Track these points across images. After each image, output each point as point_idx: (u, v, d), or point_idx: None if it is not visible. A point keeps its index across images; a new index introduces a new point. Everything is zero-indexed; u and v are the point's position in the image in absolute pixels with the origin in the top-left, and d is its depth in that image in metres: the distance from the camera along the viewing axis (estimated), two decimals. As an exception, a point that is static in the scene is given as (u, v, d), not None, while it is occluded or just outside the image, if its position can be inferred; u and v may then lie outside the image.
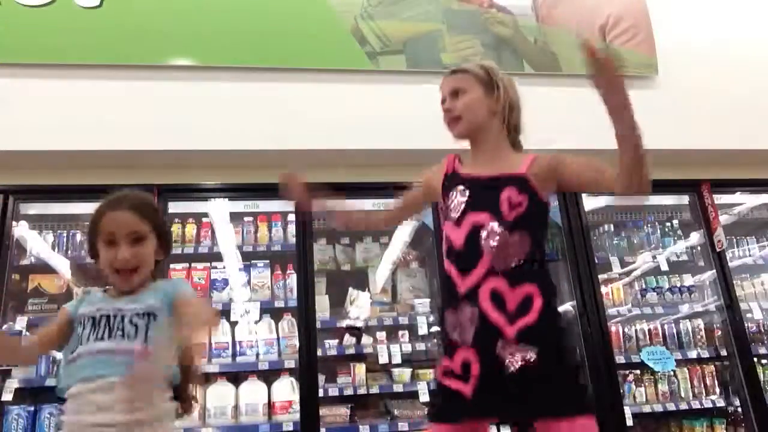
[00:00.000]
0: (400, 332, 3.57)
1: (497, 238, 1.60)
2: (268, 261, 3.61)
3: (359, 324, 3.62)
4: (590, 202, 3.86)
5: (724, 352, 3.65)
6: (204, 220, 3.63)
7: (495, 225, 1.62)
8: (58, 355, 3.23)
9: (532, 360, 1.48)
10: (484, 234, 1.62)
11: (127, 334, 1.43)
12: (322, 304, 3.53)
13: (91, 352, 1.43)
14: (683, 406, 3.55)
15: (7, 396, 3.02)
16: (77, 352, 1.45)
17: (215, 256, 3.56)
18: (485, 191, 1.67)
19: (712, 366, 3.70)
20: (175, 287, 1.54)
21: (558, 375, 1.53)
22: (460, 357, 1.55)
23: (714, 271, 3.78)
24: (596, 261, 3.66)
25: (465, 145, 1.89)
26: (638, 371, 3.61)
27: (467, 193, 1.69)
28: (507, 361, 1.50)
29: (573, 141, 3.76)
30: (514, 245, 1.60)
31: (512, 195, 1.66)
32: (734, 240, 4.12)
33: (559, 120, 3.79)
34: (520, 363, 1.49)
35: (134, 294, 1.52)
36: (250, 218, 3.68)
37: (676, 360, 3.58)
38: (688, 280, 3.96)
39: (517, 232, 1.62)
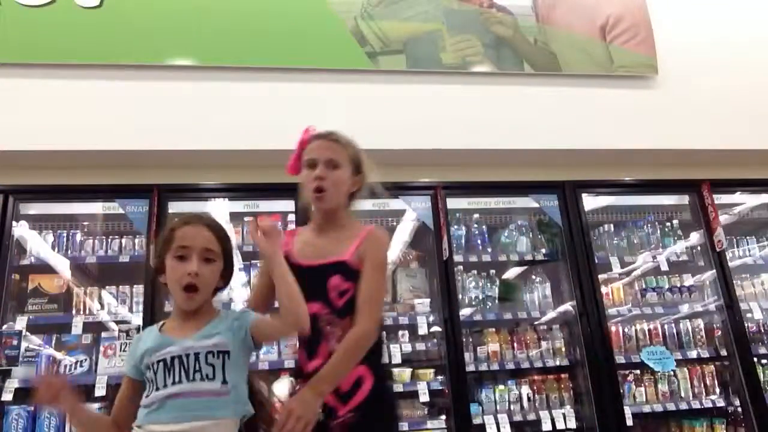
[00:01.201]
0: (400, 332, 3.57)
1: (332, 324, 1.70)
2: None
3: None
4: (590, 202, 3.86)
5: (724, 352, 3.65)
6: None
7: (327, 312, 1.71)
8: (58, 355, 3.24)
9: (354, 420, 1.60)
10: (322, 321, 1.70)
11: (205, 375, 1.40)
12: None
13: (169, 396, 1.38)
14: (683, 406, 3.55)
15: (7, 396, 3.02)
16: (153, 397, 1.39)
17: (215, 256, 3.55)
18: (314, 281, 1.70)
19: (712, 366, 3.70)
20: (243, 320, 1.51)
21: None
22: None
23: (714, 271, 3.78)
24: (596, 261, 3.66)
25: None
26: (638, 371, 3.61)
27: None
28: None
29: (573, 141, 3.78)
30: (347, 329, 1.67)
31: (339, 283, 1.74)
32: (734, 240, 4.12)
33: (559, 120, 3.81)
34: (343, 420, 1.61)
35: (199, 327, 1.47)
36: (250, 218, 3.67)
37: (676, 360, 3.58)
38: (688, 280, 3.96)
39: (348, 317, 1.69)
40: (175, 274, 1.48)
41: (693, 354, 3.66)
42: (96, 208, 3.64)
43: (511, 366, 3.54)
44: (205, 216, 1.58)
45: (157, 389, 1.39)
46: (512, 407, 3.47)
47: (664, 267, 3.82)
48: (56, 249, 3.47)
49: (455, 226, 3.80)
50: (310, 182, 1.82)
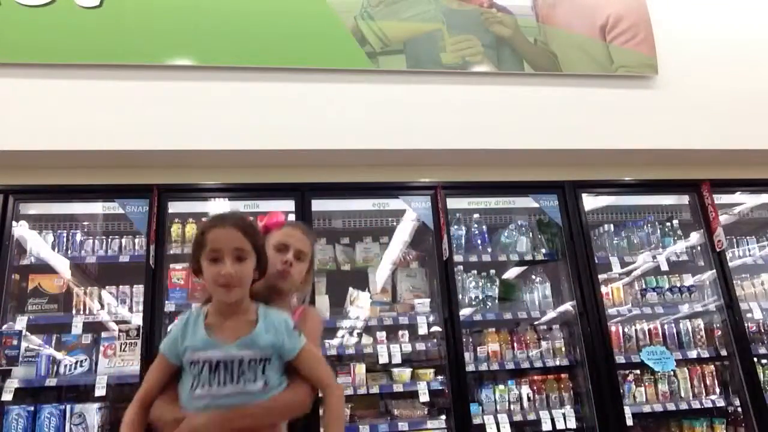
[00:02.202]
0: (400, 332, 3.57)
1: None
2: (267, 261, 3.60)
3: (360, 323, 3.62)
4: (590, 202, 3.86)
5: (724, 352, 3.65)
6: (204, 220, 3.61)
7: None
8: (58, 355, 3.24)
9: None
10: None
11: (248, 379, 1.52)
12: (322, 304, 3.53)
13: (217, 396, 1.49)
14: (683, 406, 3.55)
15: (7, 396, 3.02)
16: (200, 393, 1.50)
17: (215, 256, 3.55)
18: None
19: (712, 366, 3.70)
20: (292, 345, 1.58)
21: None
22: None
23: (714, 271, 3.78)
24: (596, 261, 3.66)
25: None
26: (638, 371, 3.61)
27: None
28: None
29: (573, 141, 3.78)
30: None
31: None
32: (734, 240, 4.12)
33: (559, 120, 3.81)
34: None
35: (240, 329, 1.55)
36: (250, 218, 3.67)
37: (676, 360, 3.58)
38: (688, 280, 3.96)
39: None
40: (210, 275, 1.55)
41: (693, 354, 3.66)
42: (96, 208, 3.64)
43: (511, 366, 3.55)
44: (232, 216, 1.65)
45: (202, 386, 1.49)
46: (512, 407, 3.47)
47: (664, 267, 3.82)
48: (56, 249, 3.47)
49: (455, 226, 3.80)
50: (277, 264, 1.84)
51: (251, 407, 1.51)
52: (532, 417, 3.42)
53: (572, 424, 3.41)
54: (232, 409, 1.49)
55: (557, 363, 3.57)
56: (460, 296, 3.64)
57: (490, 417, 3.36)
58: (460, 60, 3.85)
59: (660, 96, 3.98)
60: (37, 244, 3.45)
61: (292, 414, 1.64)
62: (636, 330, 3.72)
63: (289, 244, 1.90)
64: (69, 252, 3.48)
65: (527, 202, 3.85)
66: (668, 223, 4.05)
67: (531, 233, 3.93)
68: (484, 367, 3.51)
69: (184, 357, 1.53)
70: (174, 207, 3.51)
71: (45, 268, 3.43)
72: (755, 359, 3.60)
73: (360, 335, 3.61)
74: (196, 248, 1.59)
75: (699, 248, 3.96)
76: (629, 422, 3.33)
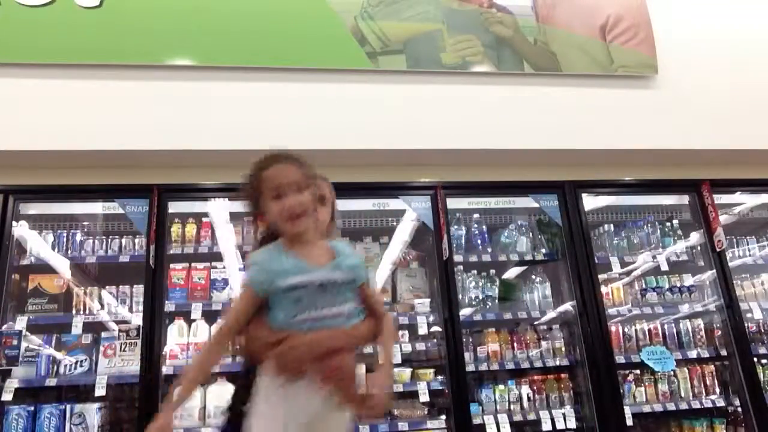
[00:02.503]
0: (400, 332, 3.57)
1: None
2: None
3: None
4: (590, 202, 3.86)
5: (724, 352, 3.65)
6: (204, 220, 3.62)
7: None
8: (58, 355, 3.24)
9: None
10: None
11: (341, 301, 1.60)
12: (322, 304, 3.52)
13: (321, 318, 1.56)
14: (683, 406, 3.55)
15: (7, 396, 3.02)
16: (305, 316, 1.55)
17: (215, 256, 3.56)
18: None
19: (712, 366, 3.70)
20: (359, 274, 1.65)
21: None
22: None
23: (714, 271, 3.78)
24: (596, 261, 3.66)
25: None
26: (638, 371, 3.61)
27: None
28: None
29: (573, 141, 3.78)
30: None
31: None
32: (734, 240, 4.12)
33: (559, 120, 3.81)
34: None
35: (323, 256, 1.63)
36: (250, 218, 3.67)
37: (676, 360, 3.58)
38: (688, 279, 3.96)
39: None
40: (277, 211, 1.62)
41: (693, 354, 3.66)
42: (96, 208, 3.64)
43: (511, 366, 3.55)
44: (280, 152, 1.73)
45: (306, 310, 1.55)
46: (512, 407, 3.47)
47: (664, 267, 3.82)
48: (56, 249, 3.47)
49: (455, 226, 3.80)
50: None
51: (350, 328, 1.59)
52: (532, 417, 3.42)
53: (572, 424, 3.41)
54: (335, 328, 1.55)
55: (557, 363, 3.57)
56: (460, 296, 3.64)
57: (490, 417, 3.36)
58: (460, 60, 3.85)
59: (660, 96, 3.98)
60: (37, 244, 3.45)
61: (367, 342, 1.71)
62: (636, 330, 3.71)
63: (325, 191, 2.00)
64: (69, 252, 3.48)
65: (527, 202, 3.85)
66: (668, 223, 4.05)
67: (531, 233, 3.93)
68: (484, 367, 3.51)
69: (275, 284, 1.55)
70: (174, 207, 3.51)
71: (45, 268, 3.43)
72: (755, 359, 3.60)
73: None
74: (254, 192, 1.68)
75: (699, 248, 3.96)
76: (629, 422, 3.33)
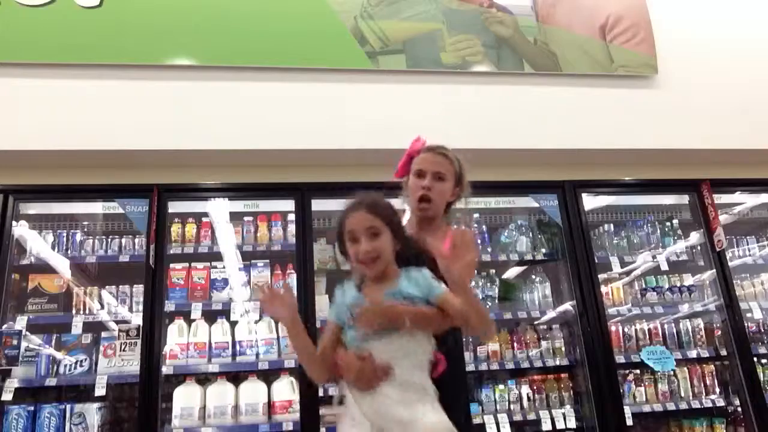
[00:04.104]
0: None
1: None
2: (268, 261, 3.61)
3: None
4: (590, 202, 3.86)
5: (724, 352, 3.65)
6: (204, 219, 3.63)
7: None
8: (58, 355, 3.25)
9: None
10: None
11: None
12: (322, 304, 3.52)
13: (367, 336, 1.67)
14: (683, 406, 3.55)
15: (7, 396, 3.02)
16: (354, 334, 1.69)
17: (215, 256, 3.56)
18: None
19: (712, 366, 3.70)
20: (429, 285, 1.71)
21: None
22: None
23: (714, 270, 3.78)
24: (596, 261, 3.66)
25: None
26: (638, 371, 3.61)
27: None
28: None
29: (573, 141, 3.78)
30: None
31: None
32: (734, 240, 4.12)
33: (559, 120, 3.81)
34: None
35: (390, 283, 1.73)
36: (250, 218, 3.67)
37: (676, 360, 3.58)
38: (688, 279, 3.96)
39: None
40: (352, 254, 1.76)
41: (693, 354, 3.66)
42: (96, 208, 3.64)
43: (511, 366, 3.55)
44: (362, 199, 1.83)
45: (356, 330, 1.68)
46: (512, 407, 3.47)
47: (664, 267, 3.82)
48: (56, 249, 3.47)
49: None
50: (417, 189, 2.04)
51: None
52: (532, 417, 3.42)
53: (572, 423, 3.41)
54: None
55: (557, 363, 3.57)
56: (460, 296, 3.63)
57: (490, 417, 3.36)
58: (460, 60, 3.85)
59: (660, 96, 3.99)
60: (37, 244, 3.45)
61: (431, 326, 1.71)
62: (636, 330, 3.71)
63: (425, 169, 2.05)
64: (69, 252, 3.48)
65: (527, 202, 3.85)
66: (668, 223, 4.05)
67: (531, 233, 3.93)
68: (484, 366, 3.51)
69: (342, 318, 1.73)
70: (174, 207, 3.51)
71: (45, 268, 3.43)
72: (755, 359, 3.60)
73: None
74: (339, 236, 1.81)
75: (699, 248, 3.96)
76: (629, 422, 3.33)
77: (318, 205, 3.59)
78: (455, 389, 1.91)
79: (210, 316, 3.42)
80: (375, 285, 1.76)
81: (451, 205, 2.12)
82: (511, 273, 4.00)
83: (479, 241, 3.82)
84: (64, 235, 3.51)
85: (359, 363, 1.64)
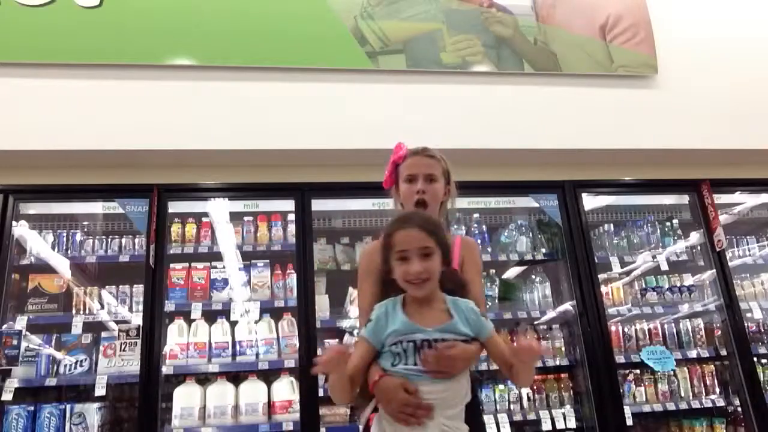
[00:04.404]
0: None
1: None
2: (268, 261, 3.61)
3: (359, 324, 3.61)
4: (590, 202, 3.86)
5: (724, 352, 3.65)
6: (204, 219, 3.63)
7: None
8: (58, 355, 3.25)
9: None
10: None
11: None
12: (322, 304, 3.53)
13: (419, 372, 1.60)
14: (683, 406, 3.55)
15: (7, 396, 3.02)
16: (402, 368, 1.62)
17: (215, 256, 3.56)
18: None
19: (712, 366, 3.70)
20: (480, 324, 1.68)
21: None
22: None
23: (714, 270, 3.78)
24: (596, 261, 3.66)
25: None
26: (638, 371, 3.61)
27: None
28: None
29: (573, 141, 3.78)
30: None
31: None
32: (734, 240, 4.12)
33: (559, 119, 3.81)
34: None
35: (437, 316, 1.66)
36: (250, 218, 3.68)
37: (676, 360, 3.58)
38: (688, 279, 3.96)
39: None
40: (401, 274, 1.67)
41: (693, 354, 3.66)
42: (96, 208, 3.64)
43: (511, 366, 3.54)
44: (415, 216, 1.76)
45: (406, 364, 1.61)
46: (512, 407, 3.47)
47: (664, 267, 3.81)
48: (56, 249, 3.48)
49: (455, 226, 3.80)
50: (411, 195, 2.01)
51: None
52: (532, 417, 3.42)
53: (572, 423, 3.41)
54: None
55: (557, 363, 3.57)
56: (460, 296, 3.63)
57: (490, 417, 3.35)
58: (460, 60, 3.85)
59: (660, 96, 3.98)
60: (37, 244, 3.46)
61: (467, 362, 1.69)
62: (636, 330, 3.71)
63: (416, 173, 2.03)
64: (69, 252, 3.48)
65: (527, 202, 3.85)
66: (668, 223, 4.05)
67: (531, 233, 3.93)
68: (483, 366, 3.50)
69: (387, 341, 1.64)
70: (174, 207, 3.51)
71: (45, 268, 3.43)
72: (755, 359, 3.60)
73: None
74: (385, 251, 1.71)
75: (699, 248, 3.96)
76: (629, 422, 3.33)
77: (318, 205, 3.59)
78: (477, 415, 1.90)
79: (210, 316, 3.42)
80: (418, 307, 1.68)
81: (444, 205, 2.11)
82: (511, 273, 4.00)
83: (479, 241, 3.82)
84: (64, 235, 3.52)
85: (404, 396, 1.56)
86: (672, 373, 3.62)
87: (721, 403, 3.61)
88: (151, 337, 3.16)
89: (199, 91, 3.53)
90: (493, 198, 3.89)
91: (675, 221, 4.06)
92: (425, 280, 1.65)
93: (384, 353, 1.65)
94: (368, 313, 1.85)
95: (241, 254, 3.62)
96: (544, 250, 3.81)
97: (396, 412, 1.57)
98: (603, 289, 3.69)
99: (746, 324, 3.66)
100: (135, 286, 3.43)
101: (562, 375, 3.59)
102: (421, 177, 2.02)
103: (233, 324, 3.44)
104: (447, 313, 1.67)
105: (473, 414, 1.78)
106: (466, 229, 3.85)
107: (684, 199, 4.10)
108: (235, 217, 3.68)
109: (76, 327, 3.26)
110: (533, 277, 3.89)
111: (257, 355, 3.38)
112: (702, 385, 3.65)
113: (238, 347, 3.39)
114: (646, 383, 3.60)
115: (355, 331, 3.66)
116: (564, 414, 3.43)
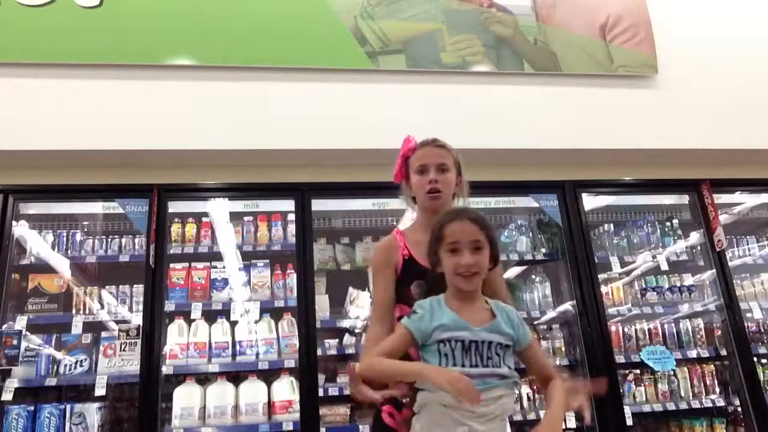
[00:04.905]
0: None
1: None
2: (268, 261, 3.61)
3: (359, 323, 3.62)
4: (590, 202, 3.86)
5: (724, 352, 3.65)
6: (204, 219, 3.63)
7: None
8: (58, 355, 3.24)
9: None
10: None
11: (495, 363, 1.62)
12: (322, 304, 3.53)
13: (471, 375, 1.54)
14: (683, 406, 3.54)
15: (7, 396, 3.02)
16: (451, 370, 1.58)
17: (215, 256, 3.56)
18: (440, 281, 1.75)
19: (712, 366, 3.70)
20: (523, 329, 1.69)
21: None
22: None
23: (714, 270, 3.78)
24: (596, 261, 3.66)
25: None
26: (638, 371, 3.61)
27: (425, 287, 1.80)
28: None
29: (573, 141, 3.78)
30: None
31: None
32: (734, 240, 4.12)
33: (559, 119, 3.81)
34: None
35: (481, 315, 1.67)
36: (250, 218, 3.68)
37: (676, 359, 3.57)
38: (688, 279, 3.96)
39: None
40: (450, 265, 1.66)
41: (693, 354, 3.66)
42: (96, 207, 3.64)
43: (511, 365, 3.54)
44: (467, 210, 1.78)
45: (455, 365, 1.58)
46: (512, 407, 3.47)
47: (664, 266, 3.81)
48: (56, 249, 3.48)
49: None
50: (424, 186, 1.98)
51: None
52: (532, 417, 3.41)
53: (572, 423, 3.40)
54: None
55: (557, 363, 3.56)
56: (460, 296, 3.63)
57: (490, 417, 3.35)
58: (460, 60, 3.85)
59: (660, 96, 3.98)
60: (37, 244, 3.46)
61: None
62: (636, 330, 3.71)
63: (427, 163, 2.00)
64: (69, 252, 3.48)
65: (527, 202, 3.85)
66: (668, 223, 4.05)
67: (531, 233, 3.93)
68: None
69: (432, 336, 1.61)
70: (174, 207, 3.51)
71: (45, 268, 3.43)
72: (755, 359, 3.60)
73: (360, 335, 3.61)
74: (435, 241, 1.70)
75: (699, 248, 3.96)
76: (629, 422, 3.33)
77: (318, 204, 3.59)
78: None
79: (210, 316, 3.42)
80: (462, 304, 1.67)
81: (455, 197, 2.07)
82: (511, 273, 4.00)
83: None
84: (64, 235, 3.52)
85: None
86: (672, 373, 3.62)
87: (721, 403, 3.61)
88: (151, 337, 3.16)
89: (199, 91, 3.53)
90: (493, 198, 3.88)
91: (675, 221, 4.06)
92: (475, 273, 1.65)
93: (429, 350, 1.62)
94: (383, 304, 1.89)
95: (241, 254, 3.62)
96: (544, 250, 3.81)
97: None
98: (603, 289, 3.69)
99: (746, 324, 3.66)
100: (135, 286, 3.43)
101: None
102: (433, 167, 1.99)
103: (233, 324, 3.44)
104: (490, 312, 1.68)
105: None
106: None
107: (684, 199, 4.10)
108: (235, 217, 3.68)
109: (76, 327, 3.26)
110: (533, 277, 3.89)
111: (257, 355, 3.38)
112: (702, 385, 3.65)
113: (238, 347, 3.39)
114: (646, 383, 3.60)
115: (356, 330, 3.67)
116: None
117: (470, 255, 1.64)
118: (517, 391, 1.67)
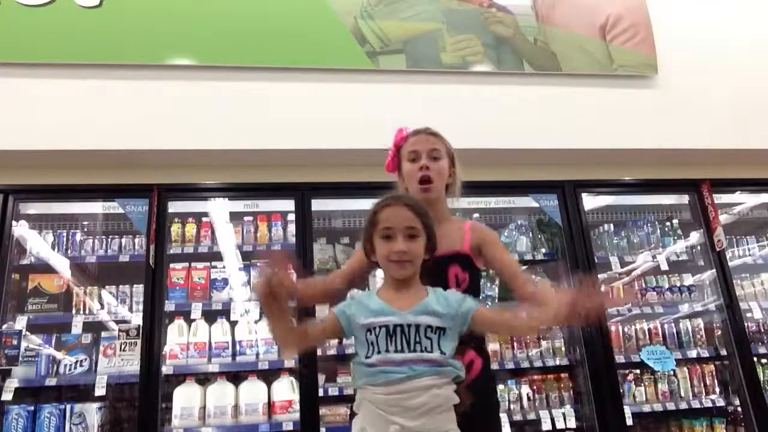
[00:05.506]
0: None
1: None
2: (267, 261, 3.60)
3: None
4: (590, 202, 3.86)
5: (724, 352, 3.65)
6: (204, 219, 3.63)
7: None
8: (58, 355, 3.24)
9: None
10: None
11: (424, 348, 1.54)
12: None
13: (394, 362, 1.52)
14: (683, 406, 3.54)
15: (7, 396, 3.02)
16: (375, 359, 1.54)
17: (215, 256, 3.56)
18: (433, 272, 1.73)
19: (712, 365, 3.70)
20: (465, 305, 1.61)
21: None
22: None
23: (714, 270, 3.78)
24: (596, 261, 3.66)
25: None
26: (638, 371, 3.61)
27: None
28: None
29: (573, 141, 3.78)
30: None
31: (458, 272, 1.83)
32: (734, 239, 4.12)
33: (559, 119, 3.81)
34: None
35: (412, 301, 1.59)
36: (250, 218, 3.68)
37: (676, 359, 3.58)
38: (688, 279, 3.96)
39: None
40: (383, 252, 1.62)
41: (693, 353, 3.66)
42: (96, 207, 3.64)
43: (511, 365, 3.54)
44: (404, 196, 1.75)
45: (378, 352, 1.53)
46: (512, 407, 3.47)
47: (664, 266, 3.81)
48: (56, 249, 3.47)
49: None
50: (415, 173, 1.94)
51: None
52: (532, 416, 3.42)
53: (572, 423, 3.41)
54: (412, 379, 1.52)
55: (557, 363, 3.56)
56: (460, 296, 3.63)
57: (490, 417, 3.35)
58: (460, 60, 3.85)
59: (660, 96, 3.98)
60: (37, 244, 3.46)
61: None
62: (636, 329, 3.71)
63: (419, 149, 1.97)
64: (69, 252, 3.48)
65: (527, 202, 3.85)
66: (668, 223, 4.05)
67: (531, 233, 3.93)
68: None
69: (358, 322, 1.57)
70: (174, 207, 3.51)
71: (45, 268, 3.43)
72: (755, 359, 3.60)
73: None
74: (369, 227, 1.66)
75: (699, 248, 3.96)
76: (629, 422, 3.33)
77: (318, 204, 3.59)
78: (491, 390, 1.89)
79: (210, 316, 3.42)
80: (396, 292, 1.62)
81: (449, 189, 2.02)
82: (511, 273, 3.99)
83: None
84: (64, 235, 3.52)
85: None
86: (672, 373, 3.62)
87: (721, 403, 3.61)
88: (151, 337, 3.16)
89: (199, 91, 3.53)
90: (493, 198, 3.88)
91: (675, 221, 4.06)
92: (407, 261, 1.59)
93: (358, 340, 1.59)
94: (349, 266, 1.92)
95: (241, 254, 3.62)
96: (544, 250, 3.81)
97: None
98: (603, 289, 3.69)
99: (746, 324, 3.66)
100: (135, 286, 3.43)
101: (562, 375, 3.59)
102: (425, 154, 1.95)
103: (233, 324, 3.44)
104: (425, 296, 1.61)
105: (491, 414, 1.77)
106: (466, 229, 3.85)
107: (684, 199, 4.10)
108: (235, 217, 3.68)
109: (76, 327, 3.26)
110: (533, 277, 3.89)
111: (257, 354, 3.38)
112: (702, 385, 3.65)
113: (238, 347, 3.39)
114: (646, 383, 3.60)
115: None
116: (564, 414, 3.42)
117: (404, 242, 1.59)
118: (455, 381, 1.57)
